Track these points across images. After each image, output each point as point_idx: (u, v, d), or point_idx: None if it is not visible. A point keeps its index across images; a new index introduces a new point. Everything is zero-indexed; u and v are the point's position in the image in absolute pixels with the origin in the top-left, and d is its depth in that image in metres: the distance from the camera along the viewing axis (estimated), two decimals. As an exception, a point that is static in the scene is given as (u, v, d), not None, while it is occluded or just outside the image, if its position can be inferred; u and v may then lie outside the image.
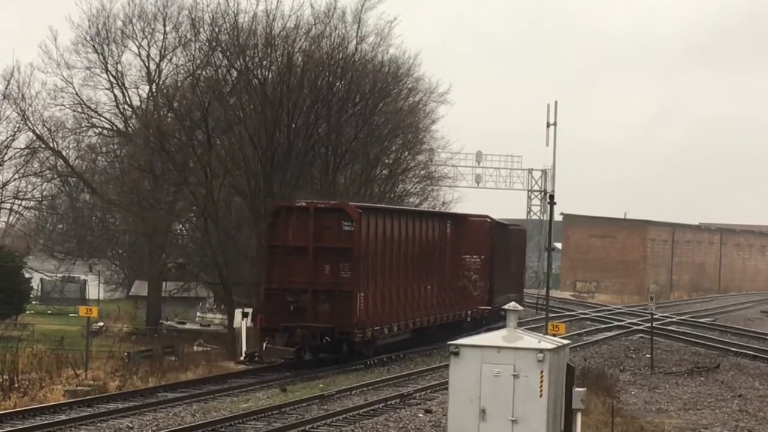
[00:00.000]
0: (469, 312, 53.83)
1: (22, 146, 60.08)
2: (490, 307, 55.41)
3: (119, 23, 60.12)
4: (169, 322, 57.78)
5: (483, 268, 55.41)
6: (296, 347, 40.82)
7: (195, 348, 47.40)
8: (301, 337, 40.73)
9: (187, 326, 56.76)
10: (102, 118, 61.22)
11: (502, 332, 22.20)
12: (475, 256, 54.73)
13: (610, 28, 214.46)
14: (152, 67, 59.53)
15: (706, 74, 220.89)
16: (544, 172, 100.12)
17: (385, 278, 44.27)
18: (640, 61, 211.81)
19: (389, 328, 45.18)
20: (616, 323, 66.35)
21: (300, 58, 53.84)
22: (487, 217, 57.68)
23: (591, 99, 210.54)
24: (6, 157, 59.93)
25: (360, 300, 41.89)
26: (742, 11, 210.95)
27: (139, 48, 59.79)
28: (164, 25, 59.70)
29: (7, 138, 59.89)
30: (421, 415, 31.13)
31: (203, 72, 55.66)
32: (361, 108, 56.59)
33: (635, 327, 63.00)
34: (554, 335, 32.09)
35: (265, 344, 41.44)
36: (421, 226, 48.26)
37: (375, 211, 44.80)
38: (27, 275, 58.09)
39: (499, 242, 58.38)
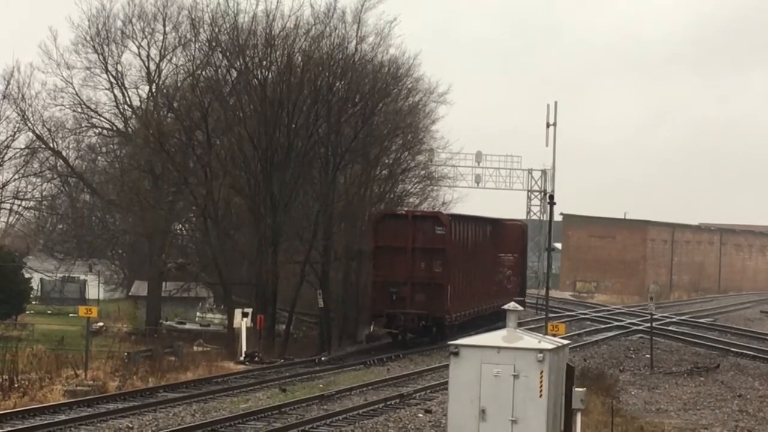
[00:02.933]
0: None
1: (22, 146, 60.18)
2: (522, 299, 62.05)
3: (119, 23, 60.17)
4: (168, 322, 57.78)
5: (515, 264, 62.71)
6: (398, 330, 49.72)
7: (195, 348, 47.42)
8: (403, 322, 49.17)
9: (187, 326, 56.78)
10: (102, 119, 61.24)
11: (502, 332, 22.18)
12: (509, 255, 61.17)
13: (603, 32, 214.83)
14: (152, 67, 59.54)
15: (701, 76, 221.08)
16: (543, 172, 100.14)
17: (461, 273, 52.17)
18: (633, 64, 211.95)
19: (464, 314, 52.74)
20: (616, 323, 66.33)
21: (300, 59, 53.81)
22: (519, 221, 67.40)
23: (590, 100, 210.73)
24: (6, 157, 59.99)
25: (449, 291, 50.05)
26: (738, 10, 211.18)
27: (139, 48, 59.84)
28: (164, 26, 59.75)
29: (7, 138, 59.99)
30: (420, 415, 31.13)
31: (203, 72, 55.67)
32: (360, 108, 56.54)
33: (635, 327, 62.99)
34: (554, 335, 32.09)
35: (372, 327, 51.38)
36: (476, 229, 55.63)
37: (457, 218, 53.44)
38: (27, 275, 58.08)
39: (525, 243, 66.09)
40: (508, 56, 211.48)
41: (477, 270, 55.31)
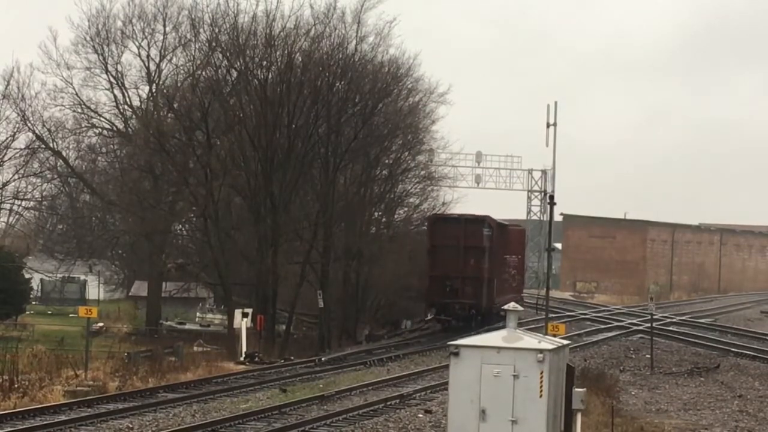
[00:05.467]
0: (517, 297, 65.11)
1: (22, 146, 60.14)
2: (523, 294, 69.89)
3: (119, 23, 60.20)
4: (169, 323, 57.79)
5: (518, 265, 67.22)
6: (451, 317, 56.18)
7: (195, 348, 47.39)
8: (457, 310, 55.74)
9: (187, 326, 56.79)
10: (102, 119, 61.24)
11: (502, 333, 22.15)
12: (513, 256, 65.25)
13: (598, 35, 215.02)
14: (152, 67, 59.55)
15: (695, 77, 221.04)
16: (543, 172, 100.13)
17: (499, 269, 58.62)
18: (629, 66, 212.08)
19: (500, 304, 55.48)
20: (616, 323, 66.27)
21: (300, 59, 53.82)
22: (520, 226, 72.96)
23: (588, 101, 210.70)
24: (6, 158, 59.95)
25: (495, 284, 56.93)
26: (736, 11, 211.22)
27: (139, 48, 59.85)
28: (164, 26, 59.77)
29: (7, 138, 59.95)
30: (420, 415, 31.12)
31: (203, 72, 55.65)
32: (361, 108, 56.57)
33: (635, 327, 62.92)
34: (554, 336, 32.07)
35: (429, 314, 58.11)
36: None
37: (498, 223, 59.41)
38: (27, 275, 58.05)
39: (524, 245, 71.49)
40: (507, 58, 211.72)
41: (503, 267, 61.33)
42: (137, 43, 59.82)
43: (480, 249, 56.11)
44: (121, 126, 60.99)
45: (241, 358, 44.22)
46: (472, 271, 55.94)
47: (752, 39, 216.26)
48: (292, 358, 45.94)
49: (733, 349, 52.14)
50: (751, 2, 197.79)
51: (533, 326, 52.12)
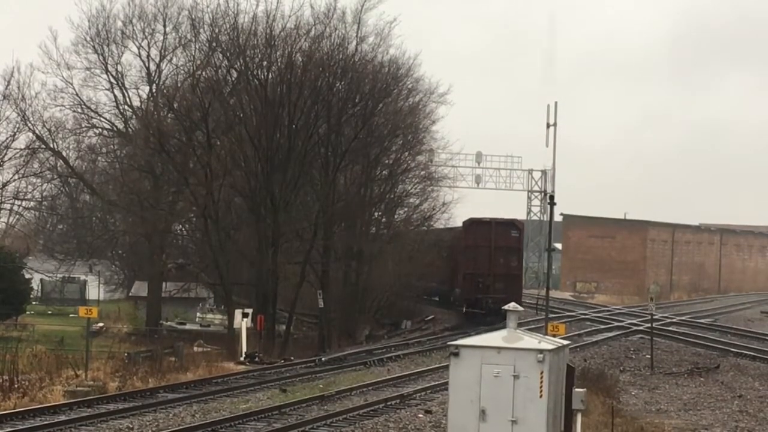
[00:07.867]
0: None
1: (22, 146, 60.11)
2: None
3: (119, 24, 60.18)
4: (169, 323, 57.77)
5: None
6: (484, 311, 59.97)
7: (195, 348, 47.39)
8: (489, 304, 59.01)
9: (187, 327, 56.77)
10: (102, 119, 61.22)
11: (502, 333, 22.14)
12: None
13: (594, 36, 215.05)
14: (152, 67, 59.53)
15: (693, 77, 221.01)
16: (544, 172, 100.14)
17: (521, 267, 63.57)
18: (626, 67, 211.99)
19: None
20: (616, 324, 66.20)
21: (300, 59, 53.83)
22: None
23: (587, 102, 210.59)
24: (6, 158, 59.92)
25: (522, 280, 62.47)
26: (734, 12, 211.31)
27: (139, 48, 59.83)
28: (164, 26, 59.75)
29: (7, 138, 59.92)
30: (421, 415, 31.11)
31: (203, 72, 55.65)
32: (361, 108, 56.58)
33: (635, 327, 62.86)
34: (554, 336, 32.06)
35: (464, 309, 61.49)
36: (521, 235, 64.69)
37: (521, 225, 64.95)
38: (27, 276, 58.04)
39: None
40: (506, 58, 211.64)
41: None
42: (137, 44, 59.88)
43: (509, 249, 61.26)
44: (121, 126, 60.98)
45: (242, 358, 44.23)
46: (502, 269, 60.87)
47: (749, 39, 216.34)
48: (292, 358, 45.95)
49: (733, 350, 52.08)
50: (749, 2, 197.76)
51: (533, 326, 52.11)
